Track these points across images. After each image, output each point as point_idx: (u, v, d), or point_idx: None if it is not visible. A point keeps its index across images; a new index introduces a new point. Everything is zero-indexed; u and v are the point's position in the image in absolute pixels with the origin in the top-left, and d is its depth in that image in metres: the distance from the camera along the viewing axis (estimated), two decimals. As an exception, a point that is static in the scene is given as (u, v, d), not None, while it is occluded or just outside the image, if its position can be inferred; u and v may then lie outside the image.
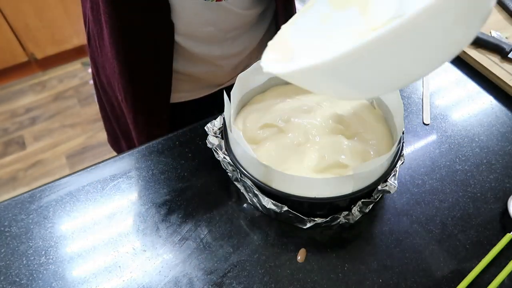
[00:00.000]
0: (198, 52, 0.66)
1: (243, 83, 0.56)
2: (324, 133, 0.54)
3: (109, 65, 0.69)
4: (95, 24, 0.65)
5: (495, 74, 0.72)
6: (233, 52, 0.70)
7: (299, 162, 0.51)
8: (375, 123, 0.56)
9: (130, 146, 0.82)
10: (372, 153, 0.52)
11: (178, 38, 0.62)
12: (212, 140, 0.55)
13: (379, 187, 0.50)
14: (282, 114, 0.55)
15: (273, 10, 0.72)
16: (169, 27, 0.60)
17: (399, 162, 0.52)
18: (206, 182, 0.58)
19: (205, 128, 0.57)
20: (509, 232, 0.52)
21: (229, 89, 0.52)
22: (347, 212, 0.51)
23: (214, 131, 0.56)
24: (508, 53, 0.73)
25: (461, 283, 0.48)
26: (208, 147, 0.56)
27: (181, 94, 0.74)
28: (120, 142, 0.89)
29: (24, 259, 0.50)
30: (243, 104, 0.60)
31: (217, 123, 0.57)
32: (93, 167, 0.60)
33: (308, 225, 0.50)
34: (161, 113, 0.71)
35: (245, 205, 0.55)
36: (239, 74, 0.54)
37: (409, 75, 0.32)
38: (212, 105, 0.80)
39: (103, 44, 0.67)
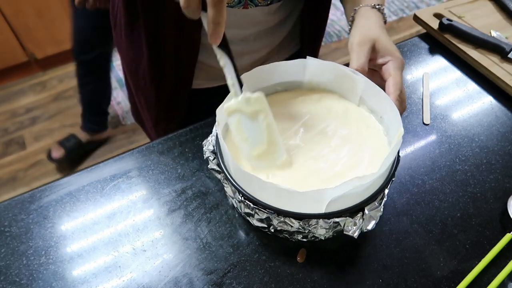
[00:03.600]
0: None
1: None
2: (323, 145, 0.52)
3: (134, 52, 0.74)
4: (126, 17, 0.70)
5: (495, 74, 0.72)
6: (253, 49, 0.72)
7: (296, 172, 0.49)
8: (376, 139, 0.53)
9: (151, 119, 0.85)
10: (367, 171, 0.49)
11: (202, 37, 0.67)
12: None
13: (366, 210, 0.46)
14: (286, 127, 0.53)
15: (298, 12, 0.75)
16: (196, 28, 0.65)
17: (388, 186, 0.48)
18: (206, 182, 0.58)
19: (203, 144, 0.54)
20: (509, 232, 0.52)
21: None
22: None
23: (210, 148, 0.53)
24: (508, 53, 0.73)
25: (461, 283, 0.48)
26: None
27: (198, 81, 0.76)
28: (140, 114, 0.91)
29: (24, 259, 0.50)
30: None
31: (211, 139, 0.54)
32: (93, 167, 0.60)
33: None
34: (182, 97, 0.76)
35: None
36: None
37: None
38: (226, 93, 0.85)
39: (132, 34, 0.72)
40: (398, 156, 0.49)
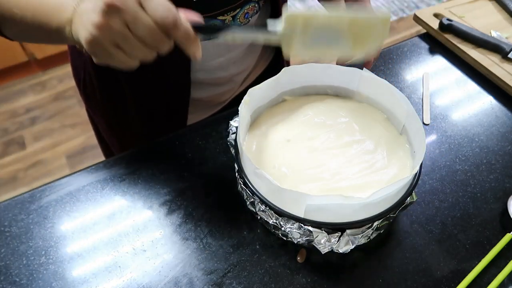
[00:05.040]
0: (209, 78, 0.69)
1: (254, 98, 0.53)
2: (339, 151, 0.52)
3: (117, 111, 0.73)
4: (102, 84, 0.69)
5: (495, 74, 0.72)
6: (235, 72, 0.73)
7: (315, 181, 0.49)
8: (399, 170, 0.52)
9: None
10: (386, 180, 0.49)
11: (192, 72, 0.65)
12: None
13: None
14: (303, 130, 0.54)
15: (266, 18, 0.75)
16: (187, 65, 0.64)
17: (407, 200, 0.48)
18: (206, 183, 0.58)
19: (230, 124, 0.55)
20: (509, 232, 0.52)
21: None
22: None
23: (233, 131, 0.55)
24: (508, 53, 0.73)
25: (461, 283, 0.48)
26: (208, 147, 0.56)
27: (192, 116, 0.75)
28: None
29: (24, 259, 0.50)
30: (252, 120, 0.57)
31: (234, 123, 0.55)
32: (93, 167, 0.60)
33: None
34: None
35: (245, 205, 0.55)
36: (249, 89, 0.52)
37: None
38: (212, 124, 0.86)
39: (112, 96, 0.70)
40: (404, 204, 0.47)
